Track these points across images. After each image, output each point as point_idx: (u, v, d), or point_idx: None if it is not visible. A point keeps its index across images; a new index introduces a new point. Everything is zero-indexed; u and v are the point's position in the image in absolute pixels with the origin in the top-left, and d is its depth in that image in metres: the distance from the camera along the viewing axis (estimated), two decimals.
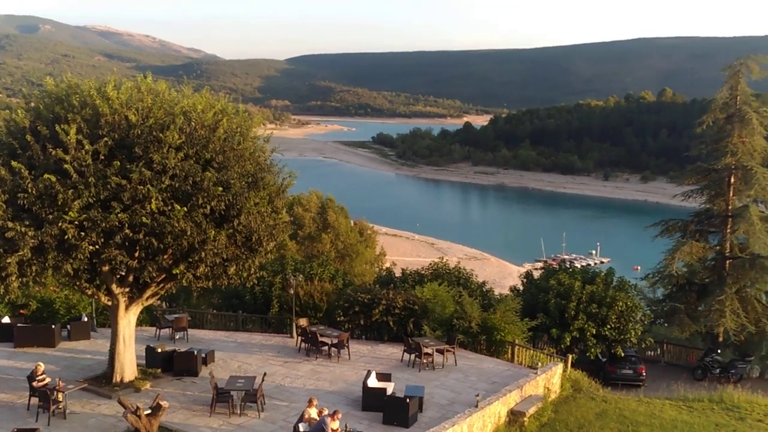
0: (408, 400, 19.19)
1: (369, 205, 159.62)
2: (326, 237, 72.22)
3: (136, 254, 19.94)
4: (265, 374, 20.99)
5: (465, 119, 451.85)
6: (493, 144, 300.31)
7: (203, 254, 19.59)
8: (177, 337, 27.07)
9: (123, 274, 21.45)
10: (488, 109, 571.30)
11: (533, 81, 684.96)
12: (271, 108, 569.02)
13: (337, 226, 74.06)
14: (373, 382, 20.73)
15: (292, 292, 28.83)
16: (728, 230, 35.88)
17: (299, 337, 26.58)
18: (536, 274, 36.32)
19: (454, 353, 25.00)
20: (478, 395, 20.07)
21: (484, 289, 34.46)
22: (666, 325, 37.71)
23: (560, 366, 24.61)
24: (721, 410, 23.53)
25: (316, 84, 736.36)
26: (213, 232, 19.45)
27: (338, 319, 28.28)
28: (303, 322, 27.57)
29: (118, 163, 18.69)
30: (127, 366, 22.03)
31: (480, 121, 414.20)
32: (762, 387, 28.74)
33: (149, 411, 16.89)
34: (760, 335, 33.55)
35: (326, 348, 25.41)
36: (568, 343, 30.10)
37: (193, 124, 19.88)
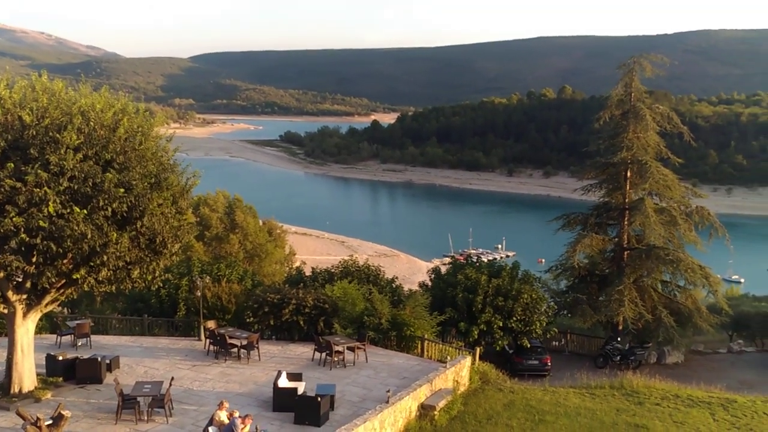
0: (319, 399, 19.14)
1: (278, 205, 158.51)
2: (234, 237, 71.21)
3: (34, 259, 19.11)
4: (172, 379, 20.54)
5: (373, 117, 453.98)
6: (401, 142, 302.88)
7: (105, 258, 18.98)
8: (79, 343, 26.14)
9: (20, 280, 20.55)
10: (395, 107, 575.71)
11: (439, 79, 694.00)
12: (175, 107, 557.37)
13: (245, 226, 73.09)
14: (283, 383, 20.58)
15: (199, 294, 28.32)
16: (625, 222, 37.27)
17: (207, 340, 26.14)
18: (444, 270, 36.85)
19: (364, 350, 25.11)
20: (388, 391, 20.22)
21: (394, 286, 34.74)
22: (569, 315, 38.89)
23: (468, 359, 25.07)
24: (621, 396, 24.46)
25: (221, 82, 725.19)
26: (115, 234, 18.87)
27: (247, 320, 27.92)
28: (211, 324, 27.14)
29: (12, 165, 17.91)
30: (26, 375, 21.14)
31: (387, 119, 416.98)
32: (659, 372, 30.01)
33: (50, 422, 16.24)
34: (656, 323, 34.95)
35: (235, 350, 25.08)
36: (476, 336, 30.71)
37: (92, 124, 19.21)
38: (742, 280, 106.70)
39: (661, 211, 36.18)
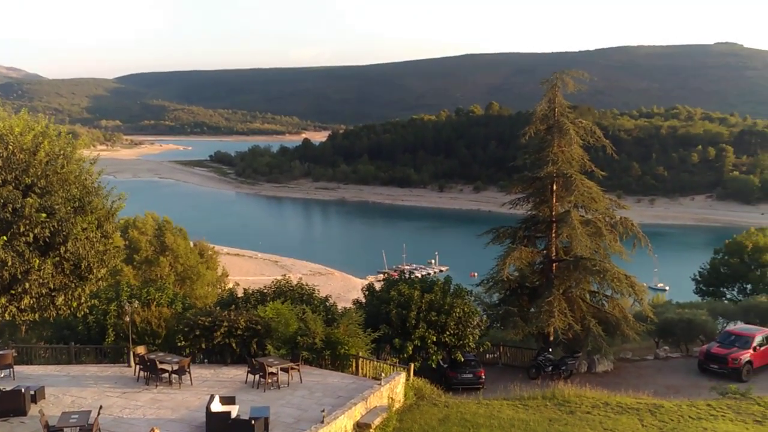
0: (253, 422, 18.90)
1: (209, 226, 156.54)
2: (165, 260, 69.88)
3: None
4: (101, 407, 19.99)
5: (304, 136, 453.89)
6: (333, 160, 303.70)
7: (27, 285, 18.43)
8: (2, 375, 25.20)
9: None
10: (326, 125, 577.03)
11: (369, 97, 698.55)
12: (101, 129, 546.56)
13: (175, 249, 71.83)
14: (216, 407, 20.25)
15: (127, 319, 27.68)
16: (553, 234, 37.97)
17: (137, 366, 25.54)
18: (378, 286, 36.92)
19: (299, 370, 24.92)
20: (323, 411, 20.12)
21: (328, 304, 34.56)
22: (502, 328, 39.33)
23: (403, 375, 25.13)
24: (553, 406, 24.85)
25: (148, 103, 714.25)
26: (37, 261, 18.35)
27: (179, 344, 27.40)
28: (141, 349, 26.54)
29: None
30: None
31: (318, 137, 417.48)
32: (589, 380, 30.63)
33: None
34: (585, 332, 35.66)
35: (166, 375, 24.58)
36: (411, 352, 30.82)
37: (10, 147, 18.69)
38: (667, 288, 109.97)
39: (587, 223, 37.01)
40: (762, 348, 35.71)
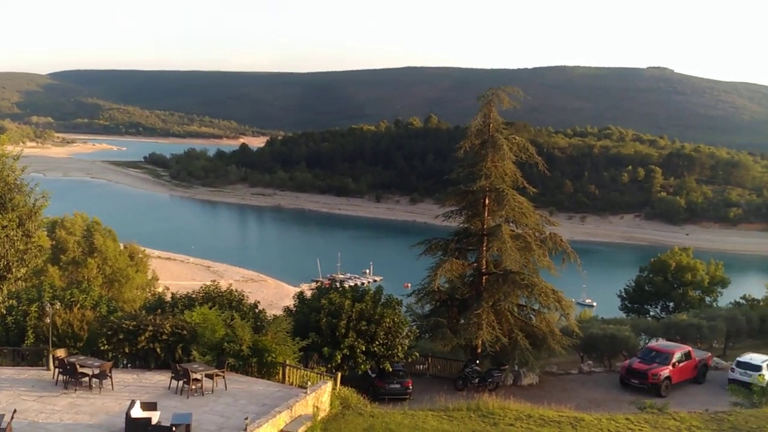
0: (174, 429, 18.58)
1: (141, 228, 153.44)
2: (92, 262, 68.35)
3: None
4: (15, 411, 19.34)
5: (241, 140, 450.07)
6: (270, 166, 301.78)
7: None
8: None
9: None
10: (265, 131, 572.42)
11: (309, 105, 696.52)
12: (32, 125, 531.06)
13: (104, 250, 70.32)
14: (137, 412, 19.83)
15: (48, 321, 26.86)
16: (484, 248, 38.45)
17: (56, 369, 24.82)
18: (309, 294, 36.74)
19: (224, 377, 24.60)
20: (246, 419, 19.87)
21: (257, 311, 34.22)
22: (431, 339, 39.60)
23: (330, 384, 25.04)
24: (477, 417, 25.08)
25: (82, 101, 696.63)
26: None
27: (101, 347, 26.73)
28: (61, 352, 25.80)
29: None
30: None
31: (256, 142, 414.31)
32: (514, 393, 31.05)
33: None
34: (513, 345, 36.18)
35: (87, 379, 23.96)
36: (339, 361, 30.75)
37: None
38: (595, 304, 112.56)
39: (517, 237, 37.58)
40: (681, 364, 36.86)
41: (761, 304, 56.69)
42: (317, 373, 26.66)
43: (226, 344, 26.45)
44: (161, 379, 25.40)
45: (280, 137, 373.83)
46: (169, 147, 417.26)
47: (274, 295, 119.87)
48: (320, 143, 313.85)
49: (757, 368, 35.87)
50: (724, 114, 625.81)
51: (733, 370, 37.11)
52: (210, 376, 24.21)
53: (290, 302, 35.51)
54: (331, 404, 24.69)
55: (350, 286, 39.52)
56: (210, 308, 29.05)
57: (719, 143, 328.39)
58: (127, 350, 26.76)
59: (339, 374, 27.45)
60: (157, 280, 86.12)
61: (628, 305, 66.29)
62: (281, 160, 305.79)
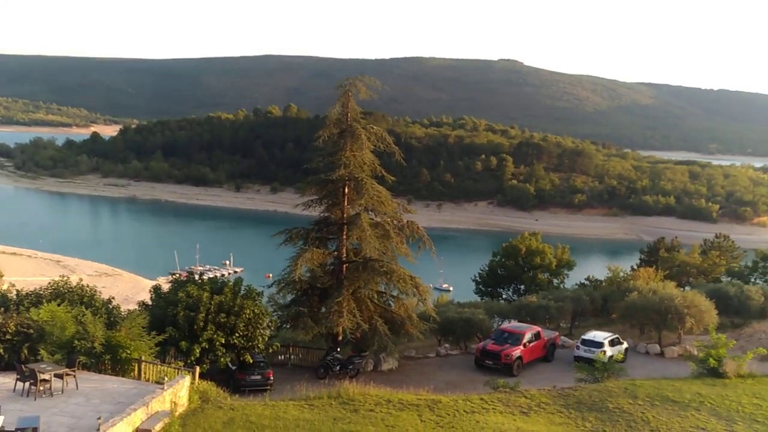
0: None
1: None
2: None
3: None
4: None
5: (92, 129, 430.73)
6: (124, 155, 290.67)
7: None
8: None
9: None
10: (117, 119, 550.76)
11: (164, 92, 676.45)
12: None
13: None
14: None
15: None
16: (344, 236, 38.75)
17: None
18: (166, 288, 35.75)
19: (75, 376, 23.58)
20: (99, 418, 19.17)
21: (110, 307, 32.99)
22: (292, 328, 39.60)
23: (188, 379, 24.55)
24: (338, 405, 25.35)
25: None
26: None
27: None
28: None
29: None
30: None
31: (109, 131, 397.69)
32: (375, 379, 31.62)
33: None
34: (373, 332, 36.75)
35: None
36: (198, 355, 30.16)
37: None
38: (451, 289, 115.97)
39: (376, 226, 38.13)
40: (531, 344, 38.78)
41: (603, 284, 60.32)
42: (175, 368, 26.08)
43: (77, 342, 25.36)
44: (5, 381, 23.97)
45: (134, 126, 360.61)
46: (13, 136, 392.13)
47: (130, 290, 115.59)
48: (176, 132, 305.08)
49: (600, 345, 38.30)
50: (569, 105, 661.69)
51: (578, 347, 39.44)
52: (60, 376, 23.12)
53: (146, 296, 34.43)
54: (189, 399, 24.23)
55: (209, 278, 38.70)
56: (59, 305, 27.77)
57: (565, 133, 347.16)
58: None
59: (198, 368, 26.94)
60: (2, 276, 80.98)
61: (482, 289, 68.70)
62: (135, 149, 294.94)
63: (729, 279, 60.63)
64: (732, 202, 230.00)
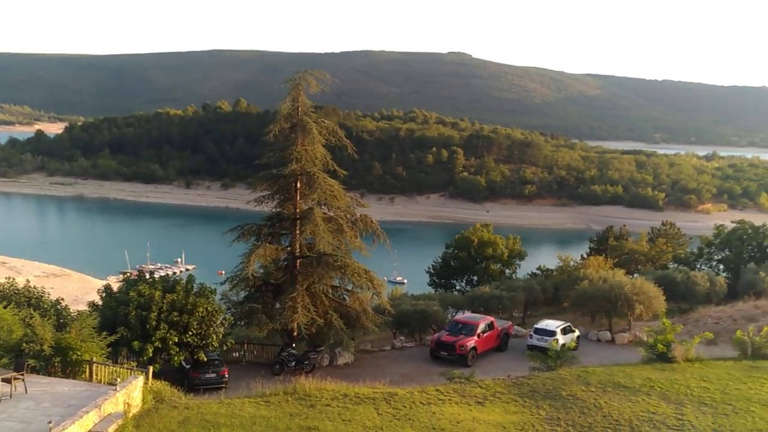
0: None
1: None
2: None
3: None
4: None
5: (36, 127, 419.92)
6: (70, 153, 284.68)
7: None
8: None
9: None
10: (63, 116, 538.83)
11: (110, 88, 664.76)
12: None
13: None
14: None
15: None
16: (297, 232, 38.56)
17: None
18: (117, 287, 35.16)
19: (23, 380, 23.05)
20: (50, 422, 18.80)
21: (59, 308, 32.40)
22: (246, 325, 39.34)
23: (141, 379, 24.22)
24: (294, 400, 25.30)
25: None
26: None
27: None
28: None
29: None
30: None
31: (54, 129, 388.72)
32: (330, 373, 31.62)
33: None
34: (328, 326, 36.74)
35: None
36: (151, 354, 29.77)
37: None
38: (405, 281, 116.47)
39: (329, 220, 38.05)
40: (485, 334, 39.19)
41: (555, 273, 61.24)
42: (128, 369, 25.72)
43: (25, 345, 24.79)
44: None
45: (80, 123, 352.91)
46: None
47: (79, 290, 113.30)
48: (124, 129, 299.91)
49: (552, 333, 38.88)
50: (518, 97, 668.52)
51: (531, 336, 39.99)
52: (7, 381, 22.57)
53: (96, 296, 33.78)
54: (143, 399, 23.92)
55: (161, 277, 38.18)
56: (5, 307, 27.19)
57: (514, 124, 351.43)
58: None
59: (151, 368, 26.59)
60: None
61: (436, 281, 69.10)
62: (82, 147, 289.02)
63: (676, 266, 61.94)
64: (677, 190, 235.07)
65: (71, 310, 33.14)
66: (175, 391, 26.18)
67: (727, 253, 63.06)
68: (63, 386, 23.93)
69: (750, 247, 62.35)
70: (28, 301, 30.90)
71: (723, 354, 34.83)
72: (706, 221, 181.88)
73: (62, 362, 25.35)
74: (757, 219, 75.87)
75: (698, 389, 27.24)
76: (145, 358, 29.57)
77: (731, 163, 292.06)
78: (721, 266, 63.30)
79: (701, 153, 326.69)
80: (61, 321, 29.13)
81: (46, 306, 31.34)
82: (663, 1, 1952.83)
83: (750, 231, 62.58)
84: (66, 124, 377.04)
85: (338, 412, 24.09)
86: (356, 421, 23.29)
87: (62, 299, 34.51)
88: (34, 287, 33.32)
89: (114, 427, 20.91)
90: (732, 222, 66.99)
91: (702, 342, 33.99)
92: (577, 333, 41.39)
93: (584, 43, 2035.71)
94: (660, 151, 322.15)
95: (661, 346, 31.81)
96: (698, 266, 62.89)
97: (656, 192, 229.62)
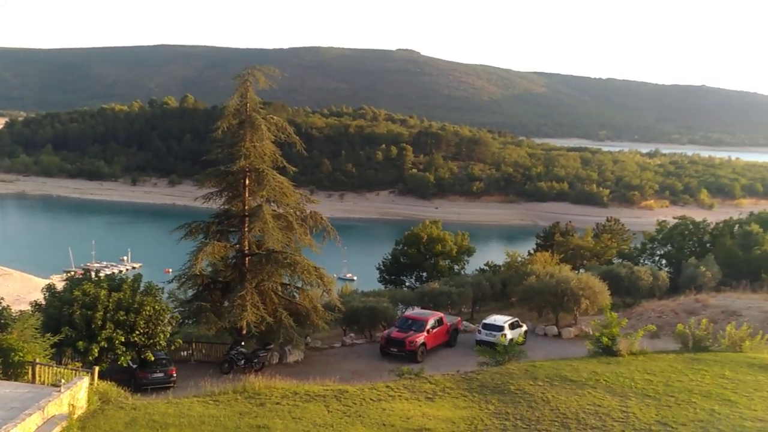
0: None
1: None
2: None
3: None
4: None
5: None
6: (11, 149, 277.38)
7: None
8: None
9: None
10: (3, 111, 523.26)
11: (53, 83, 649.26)
12: None
13: None
14: None
15: None
16: (246, 229, 38.28)
17: None
18: (60, 286, 34.42)
19: None
20: None
21: (0, 308, 31.54)
22: (194, 324, 38.90)
23: (86, 380, 23.76)
24: (244, 399, 25.10)
25: None
26: None
27: None
28: None
29: None
30: None
31: None
32: (280, 371, 31.49)
33: None
34: (277, 324, 36.54)
35: None
36: (96, 354, 29.22)
37: None
38: (355, 278, 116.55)
39: (278, 217, 37.84)
40: (434, 330, 39.46)
41: (502, 269, 61.87)
42: (72, 369, 25.22)
43: None
44: None
45: (21, 118, 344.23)
46: None
47: (21, 289, 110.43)
48: (68, 124, 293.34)
49: (500, 329, 39.34)
50: (466, 95, 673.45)
51: (479, 331, 40.40)
52: None
53: (39, 296, 33.02)
54: (88, 401, 23.47)
55: (106, 275, 37.52)
56: None
57: (462, 121, 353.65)
58: None
59: (96, 368, 26.14)
60: None
61: (386, 277, 69.23)
62: (23, 143, 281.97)
63: (620, 261, 63.17)
64: (621, 186, 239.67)
65: (13, 310, 32.24)
66: (122, 391, 25.76)
67: (669, 248, 64.54)
68: (4, 388, 23.33)
69: (691, 242, 64.02)
70: None
71: (666, 347, 35.60)
72: (649, 217, 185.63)
73: (3, 364, 24.73)
74: (698, 215, 77.87)
75: (642, 382, 27.82)
76: (90, 358, 29.01)
77: (673, 160, 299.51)
78: (664, 261, 64.70)
79: (644, 150, 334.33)
80: (2, 321, 28.34)
81: None
82: (606, 0, 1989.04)
83: (691, 226, 64.25)
84: (6, 119, 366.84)
85: (288, 410, 23.98)
86: (306, 419, 23.21)
87: (2, 299, 33.59)
88: None
89: (58, 429, 20.48)
90: (674, 218, 68.60)
91: (646, 335, 34.71)
92: (524, 328, 41.94)
93: (530, 41, 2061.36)
94: (604, 149, 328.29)
95: (606, 340, 32.38)
96: (641, 261, 64.22)
97: (601, 188, 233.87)
